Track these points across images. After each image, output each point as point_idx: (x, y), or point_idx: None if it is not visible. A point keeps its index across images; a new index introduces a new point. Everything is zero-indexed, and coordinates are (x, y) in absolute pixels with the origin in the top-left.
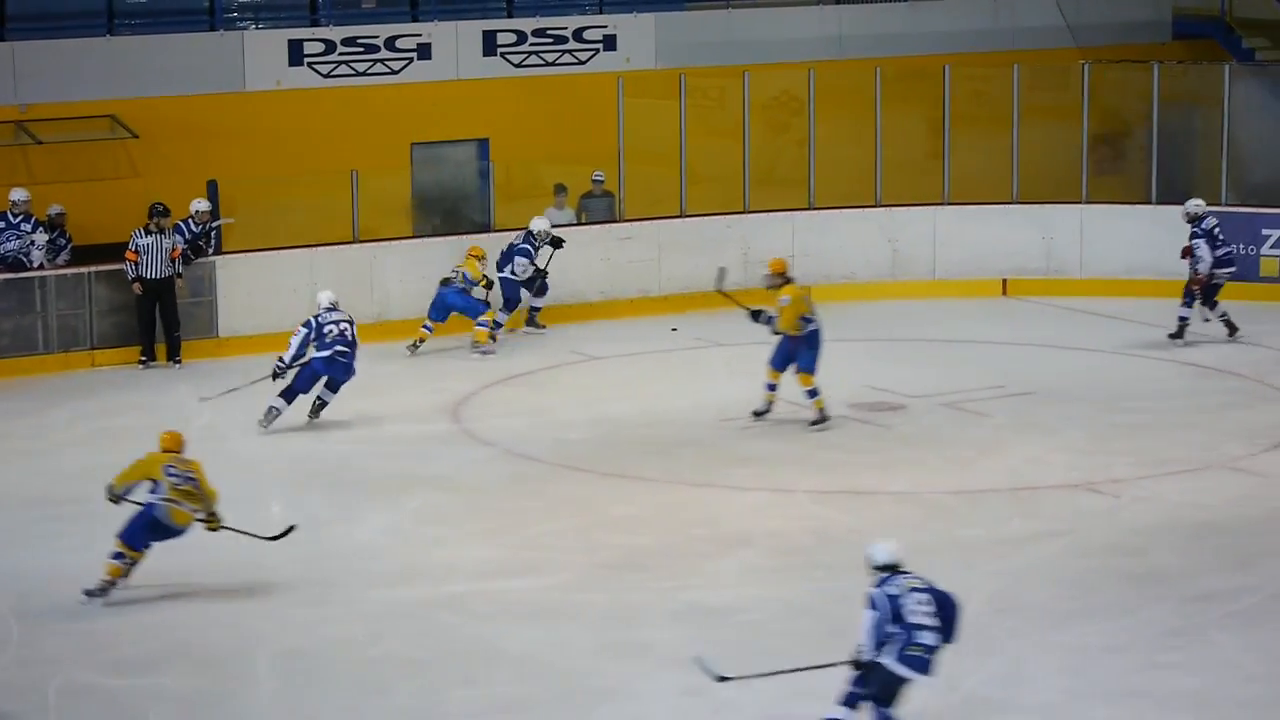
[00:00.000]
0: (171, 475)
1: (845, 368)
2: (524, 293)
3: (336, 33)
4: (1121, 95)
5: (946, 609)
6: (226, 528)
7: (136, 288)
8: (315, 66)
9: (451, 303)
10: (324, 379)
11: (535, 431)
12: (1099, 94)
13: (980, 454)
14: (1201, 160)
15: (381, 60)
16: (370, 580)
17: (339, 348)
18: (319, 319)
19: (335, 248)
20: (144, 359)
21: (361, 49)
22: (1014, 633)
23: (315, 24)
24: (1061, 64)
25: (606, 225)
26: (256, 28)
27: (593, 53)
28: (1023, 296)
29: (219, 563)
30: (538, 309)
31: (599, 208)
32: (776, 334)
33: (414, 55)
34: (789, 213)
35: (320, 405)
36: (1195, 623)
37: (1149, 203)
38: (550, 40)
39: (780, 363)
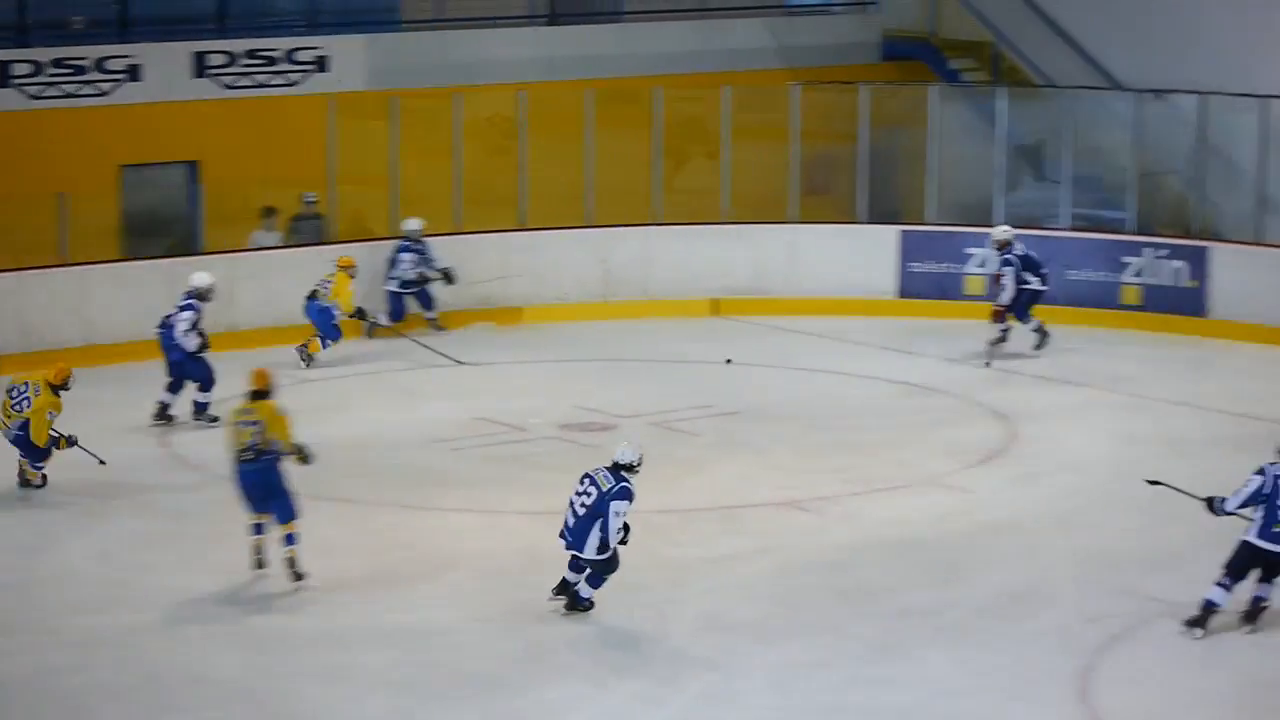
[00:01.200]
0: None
1: (556, 388)
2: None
3: (45, 53)
4: (831, 116)
5: None
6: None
7: None
8: (23, 88)
9: (311, 317)
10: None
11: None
12: (809, 115)
13: (689, 473)
14: (909, 180)
15: (90, 81)
16: (73, 607)
17: None
18: None
19: (43, 271)
20: None
21: (70, 70)
22: (723, 650)
23: (24, 45)
24: (771, 85)
25: (317, 247)
26: None
27: (304, 74)
28: (733, 316)
29: None
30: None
31: (309, 230)
32: None
33: (124, 77)
34: (501, 233)
35: None
36: (901, 638)
37: (858, 222)
38: (262, 62)
39: None
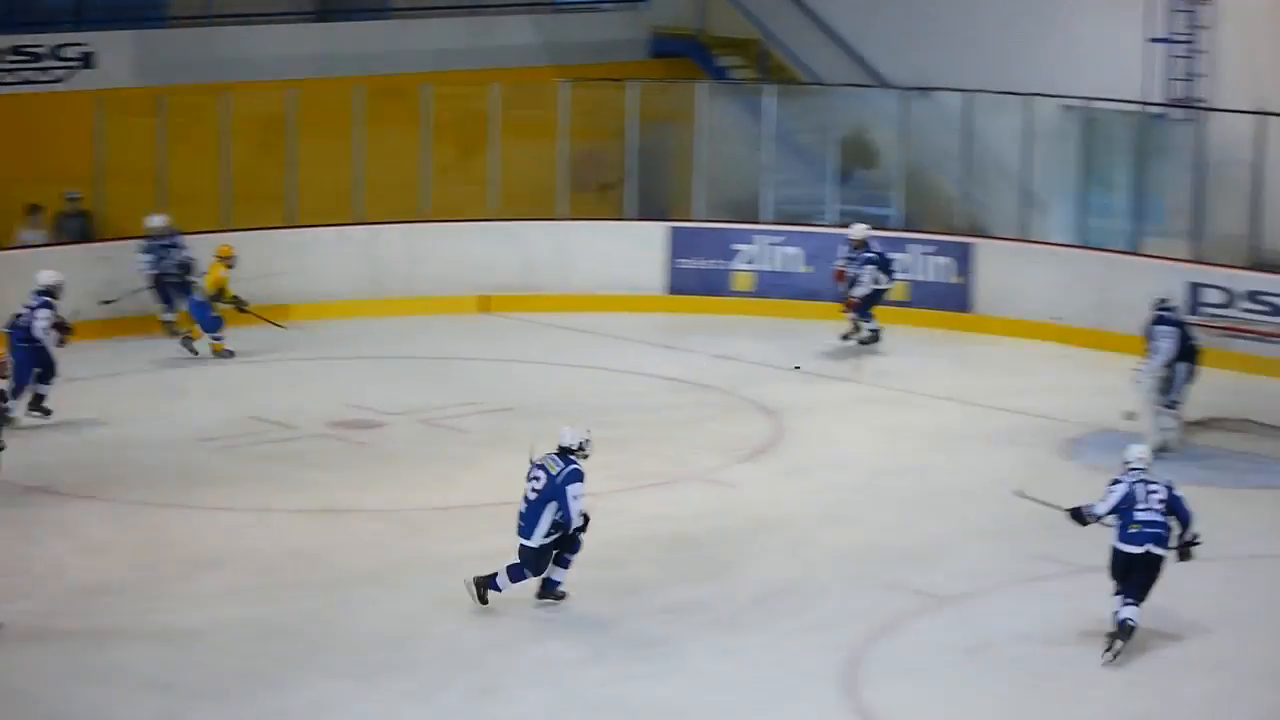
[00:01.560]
0: None
1: (324, 386)
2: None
3: None
4: (600, 113)
5: None
6: None
7: None
8: None
9: (190, 311)
10: None
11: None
12: (578, 112)
13: (458, 470)
14: (678, 177)
15: None
16: None
17: None
18: None
19: None
20: None
21: None
22: (493, 646)
23: None
24: (541, 82)
25: (83, 245)
26: None
27: (70, 71)
28: (502, 313)
29: None
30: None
31: (74, 227)
32: None
33: None
34: (269, 231)
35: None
36: (669, 633)
37: (627, 219)
38: (26, 58)
39: None
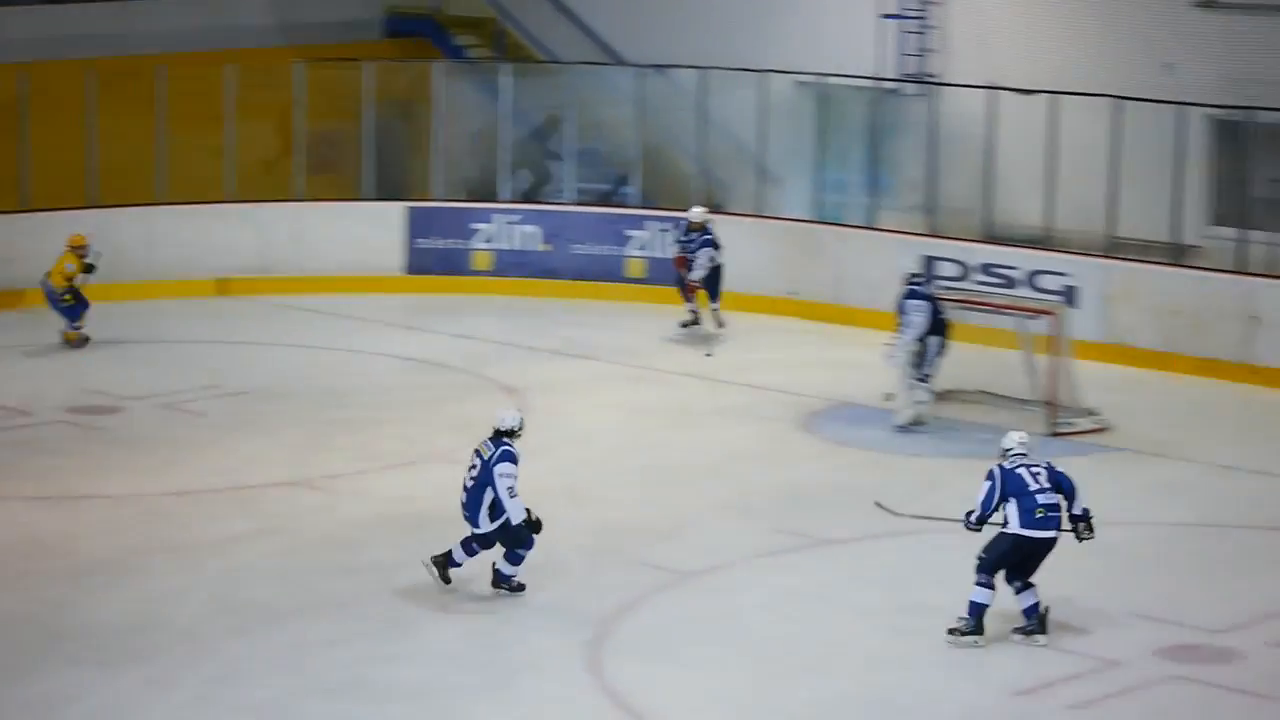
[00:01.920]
0: None
1: (58, 371)
2: None
3: None
4: (335, 94)
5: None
6: None
7: None
8: None
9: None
10: None
11: None
12: (313, 93)
13: (197, 454)
14: (415, 157)
15: None
16: None
17: None
18: None
19: None
20: None
21: None
22: (234, 631)
23: None
24: (275, 63)
25: None
26: None
27: None
28: (240, 295)
29: None
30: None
31: None
32: None
33: None
34: (3, 215)
35: None
36: (413, 615)
37: (364, 200)
38: None
39: None
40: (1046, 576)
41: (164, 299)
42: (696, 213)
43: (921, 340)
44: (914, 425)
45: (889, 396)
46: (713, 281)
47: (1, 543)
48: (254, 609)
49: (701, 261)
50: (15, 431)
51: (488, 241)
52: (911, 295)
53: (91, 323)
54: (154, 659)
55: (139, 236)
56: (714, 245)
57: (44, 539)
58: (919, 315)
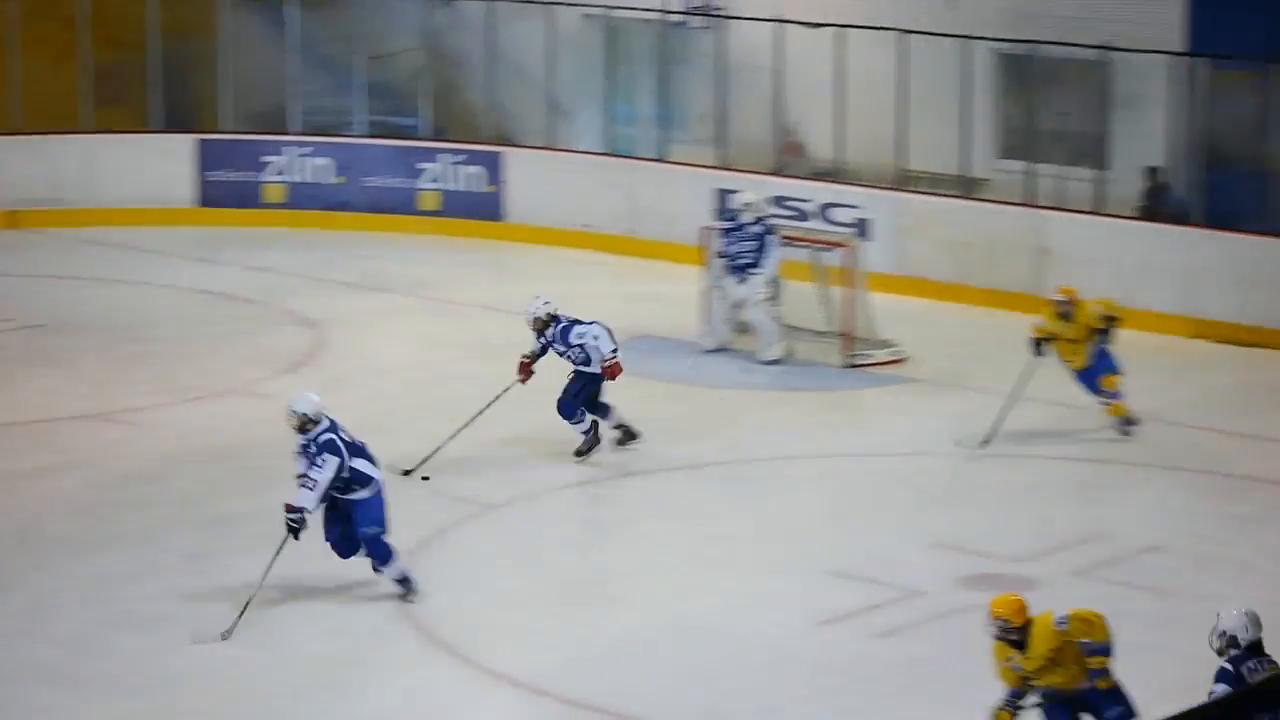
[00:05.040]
0: None
1: None
2: None
3: None
4: (121, 24)
5: None
6: None
7: None
8: None
9: None
10: None
11: None
12: (100, 22)
13: None
14: (203, 89)
15: None
16: None
17: None
18: None
19: None
20: None
21: None
22: (37, 566)
23: None
24: None
25: None
26: None
27: None
28: (31, 228)
29: None
30: None
31: None
32: None
33: None
34: None
35: None
36: (217, 547)
37: (154, 132)
38: None
39: None
40: (844, 509)
41: None
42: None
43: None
44: (778, 361)
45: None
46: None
47: None
48: (58, 544)
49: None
50: None
51: (279, 174)
52: (768, 231)
53: None
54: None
55: None
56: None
57: None
58: (776, 250)
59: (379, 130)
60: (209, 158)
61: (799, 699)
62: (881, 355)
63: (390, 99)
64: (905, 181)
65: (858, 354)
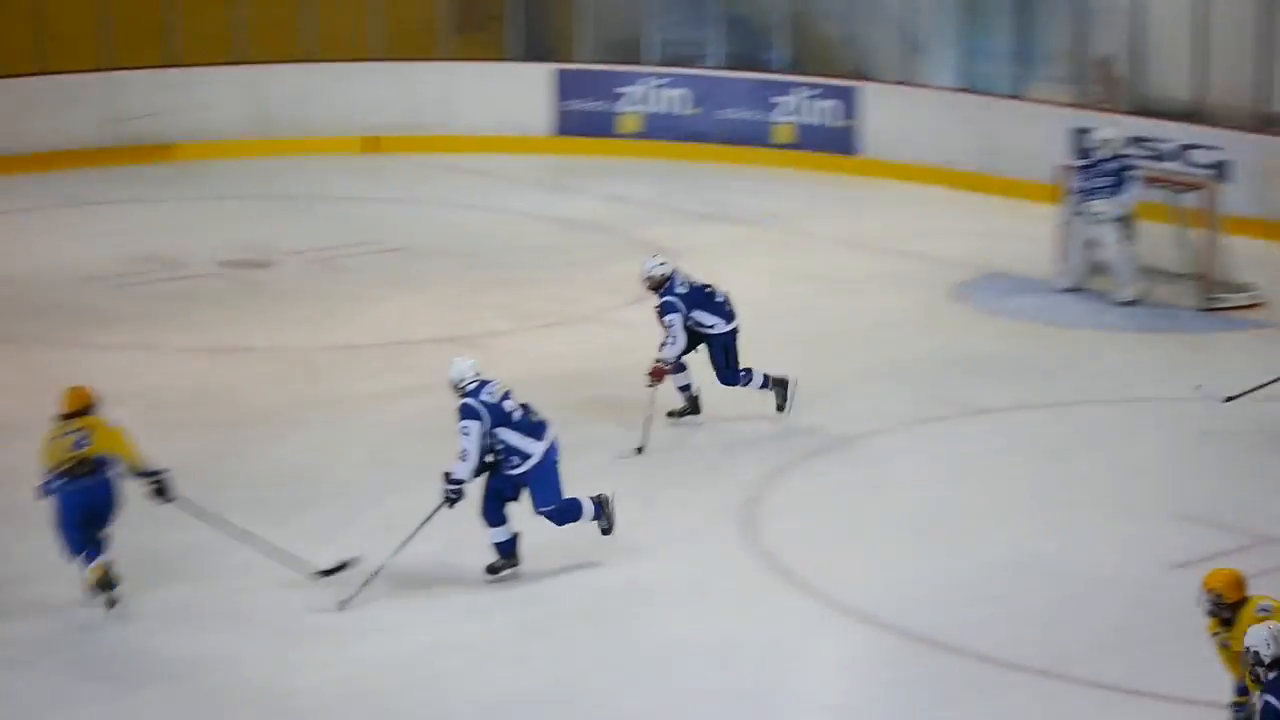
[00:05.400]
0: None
1: (214, 225)
2: None
3: None
4: None
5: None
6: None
7: None
8: None
9: None
10: None
11: None
12: None
13: (352, 310)
14: (561, 18)
15: None
16: None
17: None
18: None
19: None
20: None
21: None
22: (391, 487)
23: None
24: None
25: None
26: None
27: None
28: (389, 153)
29: None
30: None
31: None
32: None
33: None
34: (152, 70)
35: None
36: (568, 469)
37: (511, 60)
38: None
39: None
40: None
41: (314, 155)
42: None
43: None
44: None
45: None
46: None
47: (161, 393)
48: (412, 464)
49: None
50: (170, 284)
51: (635, 104)
52: (1126, 169)
53: (242, 178)
54: (313, 511)
55: (289, 93)
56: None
57: (203, 390)
58: (1133, 189)
59: (735, 63)
60: (566, 87)
61: (1147, 642)
62: (1239, 299)
63: (747, 31)
64: (1267, 124)
65: (1215, 296)
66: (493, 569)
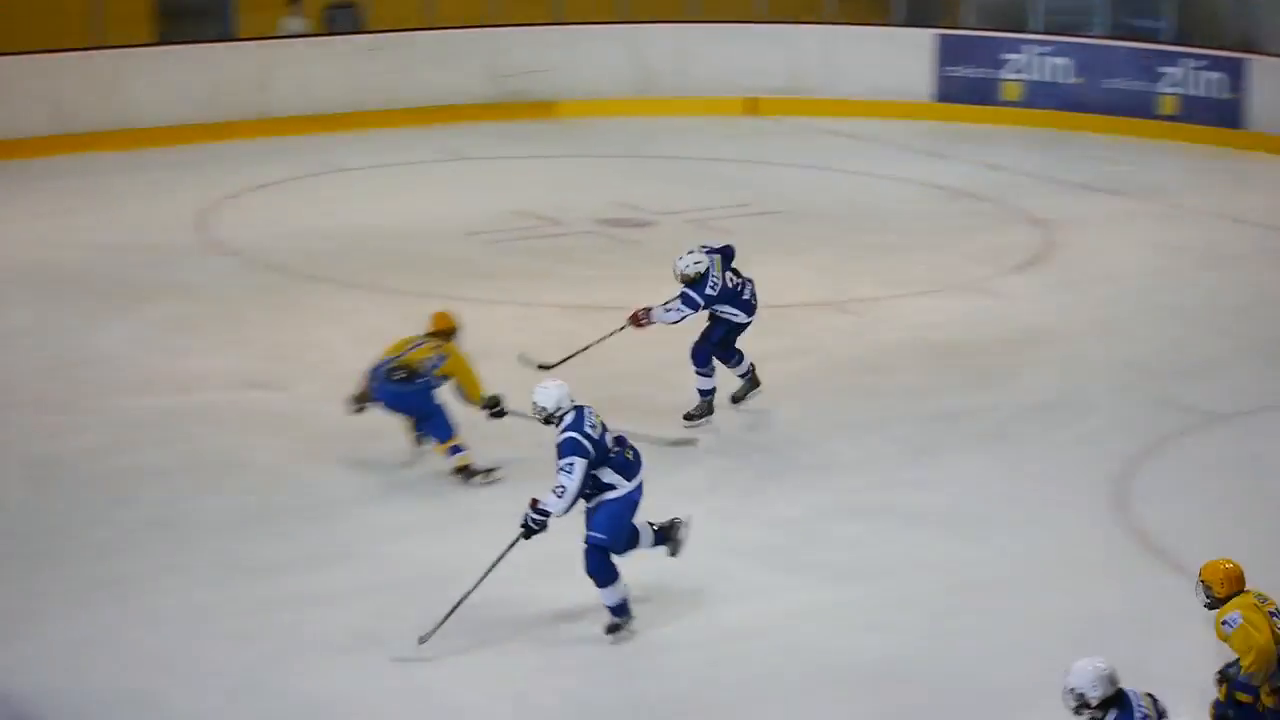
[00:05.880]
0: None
1: (592, 183)
2: None
3: None
4: None
5: None
6: None
7: None
8: None
9: None
10: None
11: (282, 242)
12: None
13: None
14: None
15: None
16: (115, 388)
17: None
18: None
19: (77, 53)
20: None
21: None
22: (759, 448)
23: None
24: None
25: (350, 36)
26: None
27: None
28: (769, 116)
29: None
30: None
31: (344, 19)
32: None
33: None
34: (536, 27)
35: None
36: (938, 441)
37: (893, 24)
38: None
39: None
40: None
41: (694, 116)
42: None
43: None
44: None
45: None
46: None
47: (533, 348)
48: (781, 426)
49: None
50: (549, 240)
51: (1018, 72)
52: None
53: (621, 136)
54: (686, 469)
55: (671, 53)
56: None
57: (573, 344)
58: None
59: (1120, 32)
60: (948, 53)
61: None
62: None
63: (1134, 1)
64: None
65: None
66: (612, 629)
